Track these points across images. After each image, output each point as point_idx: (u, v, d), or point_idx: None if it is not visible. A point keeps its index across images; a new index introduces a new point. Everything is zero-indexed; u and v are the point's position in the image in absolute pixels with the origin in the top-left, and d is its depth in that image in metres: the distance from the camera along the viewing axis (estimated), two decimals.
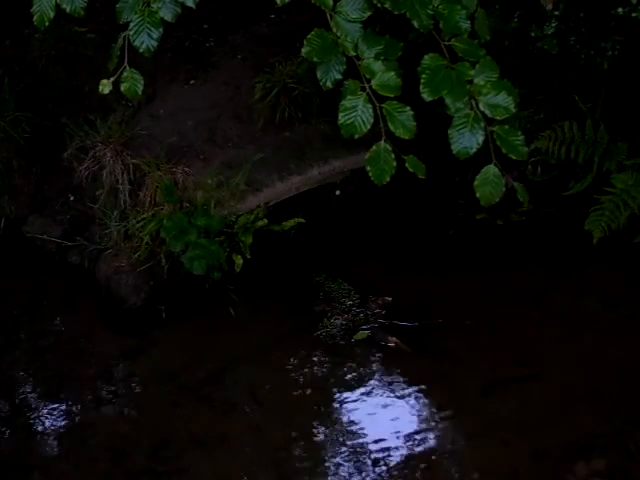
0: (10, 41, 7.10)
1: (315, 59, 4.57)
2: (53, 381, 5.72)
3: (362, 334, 5.87)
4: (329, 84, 4.65)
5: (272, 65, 6.44)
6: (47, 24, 4.67)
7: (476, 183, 4.69)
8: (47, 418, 5.49)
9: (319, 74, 4.64)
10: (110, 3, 5.02)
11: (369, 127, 4.53)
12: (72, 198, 6.57)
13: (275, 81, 6.35)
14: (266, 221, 6.09)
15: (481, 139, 4.57)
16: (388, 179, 4.61)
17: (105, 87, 4.68)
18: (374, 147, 4.57)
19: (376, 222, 6.60)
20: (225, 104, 6.64)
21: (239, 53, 6.95)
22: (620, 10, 5.65)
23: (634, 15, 5.59)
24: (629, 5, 5.61)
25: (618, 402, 5.35)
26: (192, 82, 6.82)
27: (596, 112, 6.23)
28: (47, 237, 6.45)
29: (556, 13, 5.79)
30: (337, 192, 6.60)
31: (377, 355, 5.78)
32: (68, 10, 4.61)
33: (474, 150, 4.59)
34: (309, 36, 4.58)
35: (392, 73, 4.58)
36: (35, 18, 4.68)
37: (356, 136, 4.58)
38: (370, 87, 4.56)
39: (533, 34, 5.90)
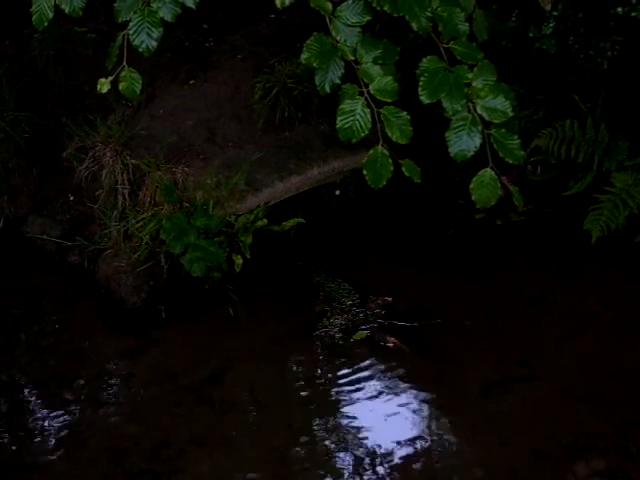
0: (10, 41, 7.10)
1: (314, 65, 4.59)
2: (53, 381, 5.72)
3: (361, 334, 5.87)
4: (327, 88, 4.67)
5: (272, 65, 6.43)
6: (46, 24, 4.68)
7: (472, 186, 4.72)
8: (47, 418, 5.49)
9: (317, 79, 4.66)
10: (109, 3, 5.02)
11: (367, 131, 4.55)
12: (72, 198, 6.57)
13: (275, 81, 6.34)
14: (266, 221, 6.09)
15: (478, 142, 4.60)
16: (384, 183, 4.63)
17: (103, 86, 4.69)
18: (371, 151, 4.59)
19: (376, 222, 6.60)
20: (225, 104, 6.64)
21: (239, 53, 6.95)
22: (619, 10, 5.65)
23: (633, 15, 5.60)
24: (628, 5, 5.61)
25: (618, 402, 5.35)
26: (192, 82, 6.82)
27: (596, 112, 6.23)
28: (47, 237, 6.46)
29: (555, 13, 5.79)
30: (337, 192, 6.61)
31: (376, 355, 5.78)
32: (67, 10, 4.62)
33: (471, 153, 4.62)
34: (308, 41, 4.60)
35: (389, 78, 4.61)
36: (34, 18, 4.69)
37: (354, 140, 4.61)
38: (368, 92, 4.57)
39: (531, 34, 5.90)
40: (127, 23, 4.58)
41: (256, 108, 6.47)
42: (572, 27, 5.82)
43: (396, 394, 5.54)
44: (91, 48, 6.87)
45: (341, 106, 4.57)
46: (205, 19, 7.18)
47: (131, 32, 4.55)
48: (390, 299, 6.04)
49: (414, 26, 4.57)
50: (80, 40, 6.89)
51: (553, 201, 6.40)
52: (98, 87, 4.69)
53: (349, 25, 4.59)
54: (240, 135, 6.47)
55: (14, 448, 5.34)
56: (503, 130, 4.65)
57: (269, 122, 6.45)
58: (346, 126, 4.56)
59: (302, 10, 6.62)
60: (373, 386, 5.60)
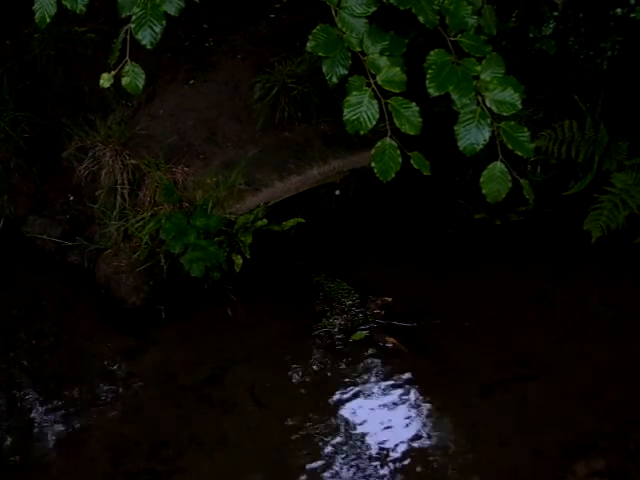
0: (10, 41, 7.10)
1: (320, 53, 4.57)
2: (53, 381, 5.71)
3: (360, 334, 5.88)
4: (335, 79, 4.63)
5: (272, 65, 6.44)
6: (48, 21, 4.63)
7: (482, 180, 4.69)
8: (47, 418, 5.49)
9: (325, 69, 4.62)
10: (109, 3, 5.01)
11: (374, 123, 4.52)
12: (72, 198, 6.57)
13: (274, 81, 6.35)
14: (266, 221, 6.09)
15: (487, 135, 4.57)
16: (393, 175, 4.59)
17: (106, 81, 4.65)
18: (379, 143, 4.55)
19: (375, 222, 6.60)
20: (225, 104, 6.64)
21: (239, 53, 6.95)
22: (619, 11, 5.65)
23: (633, 15, 5.60)
24: (628, 6, 5.61)
25: (618, 402, 5.36)
26: (192, 82, 6.82)
27: (596, 112, 6.23)
28: (47, 237, 6.45)
29: (555, 14, 5.79)
30: (337, 192, 6.60)
31: (375, 355, 5.78)
32: (69, 7, 4.57)
33: (480, 146, 4.59)
34: (314, 31, 4.58)
35: (397, 69, 4.58)
36: (36, 16, 4.65)
37: (361, 132, 4.57)
38: (375, 83, 4.55)
39: (532, 35, 5.90)
40: (129, 20, 4.54)
41: (256, 108, 6.47)
42: (572, 27, 5.82)
43: (395, 394, 5.55)
44: (91, 48, 6.87)
45: (348, 98, 4.53)
46: (205, 19, 7.19)
47: (134, 26, 4.51)
48: (389, 299, 6.04)
49: (421, 19, 4.55)
50: (80, 40, 6.89)
51: (553, 201, 6.40)
52: (100, 82, 4.63)
53: (355, 16, 4.57)
54: (240, 135, 6.47)
55: (14, 448, 5.34)
56: (513, 123, 4.62)
57: (269, 122, 6.45)
58: (353, 118, 4.52)
59: (302, 10, 6.65)
60: (372, 386, 5.60)
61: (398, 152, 4.54)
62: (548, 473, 5.05)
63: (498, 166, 4.68)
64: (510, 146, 4.62)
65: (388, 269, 6.34)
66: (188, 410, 5.49)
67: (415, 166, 4.66)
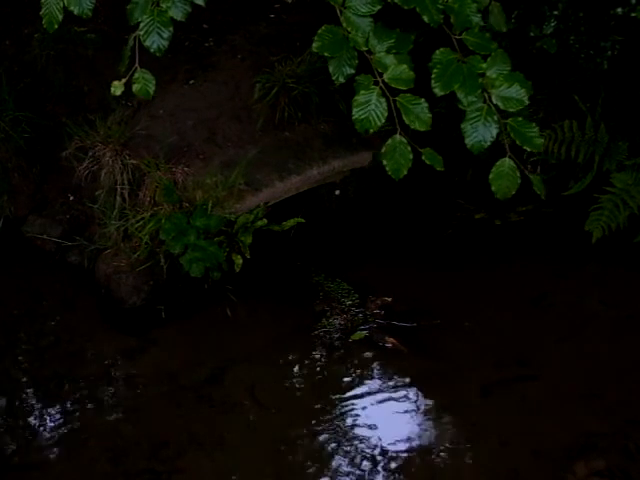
0: (10, 41, 7.09)
1: (326, 54, 4.58)
2: (53, 381, 5.71)
3: (360, 334, 5.88)
4: (342, 79, 4.64)
5: (271, 65, 6.44)
6: (56, 27, 4.68)
7: (491, 177, 4.69)
8: (47, 418, 5.48)
9: (331, 69, 4.63)
10: (109, 3, 5.02)
11: (383, 121, 4.53)
12: (72, 198, 6.56)
13: (274, 81, 6.34)
14: (265, 221, 6.08)
15: (495, 132, 4.58)
16: (405, 172, 4.60)
17: (117, 89, 4.69)
18: (389, 141, 4.56)
19: (375, 222, 6.60)
20: (224, 104, 6.63)
21: (239, 53, 6.94)
22: (619, 10, 5.65)
23: (633, 15, 5.59)
24: (628, 5, 5.61)
25: (618, 402, 5.36)
26: (192, 82, 6.81)
27: (596, 112, 6.23)
28: (47, 237, 6.45)
29: (555, 13, 5.79)
30: (337, 192, 6.61)
31: (375, 355, 5.79)
32: (76, 12, 4.61)
33: (488, 143, 4.60)
34: (320, 31, 4.59)
35: (404, 66, 4.59)
36: (44, 21, 4.68)
37: (371, 130, 4.58)
38: (383, 81, 4.56)
39: (532, 34, 5.90)
40: (133, 24, 4.58)
41: (256, 108, 6.47)
42: (573, 27, 5.81)
43: (395, 394, 5.55)
44: (91, 48, 6.86)
45: (356, 97, 4.54)
46: (205, 19, 7.17)
47: (142, 33, 4.55)
48: (389, 299, 6.04)
49: (425, 18, 4.55)
50: (80, 40, 6.88)
51: (553, 201, 6.40)
52: (112, 90, 4.68)
53: (359, 15, 4.57)
54: (240, 135, 6.47)
55: (14, 448, 5.34)
56: (520, 118, 4.63)
57: (269, 122, 6.44)
58: (362, 117, 4.53)
59: (302, 10, 6.64)
60: (372, 386, 5.60)
61: (409, 149, 4.55)
62: (548, 473, 5.05)
63: (507, 163, 4.68)
64: (518, 142, 4.63)
65: (388, 269, 6.34)
66: (188, 410, 5.49)
67: (427, 162, 4.66)
